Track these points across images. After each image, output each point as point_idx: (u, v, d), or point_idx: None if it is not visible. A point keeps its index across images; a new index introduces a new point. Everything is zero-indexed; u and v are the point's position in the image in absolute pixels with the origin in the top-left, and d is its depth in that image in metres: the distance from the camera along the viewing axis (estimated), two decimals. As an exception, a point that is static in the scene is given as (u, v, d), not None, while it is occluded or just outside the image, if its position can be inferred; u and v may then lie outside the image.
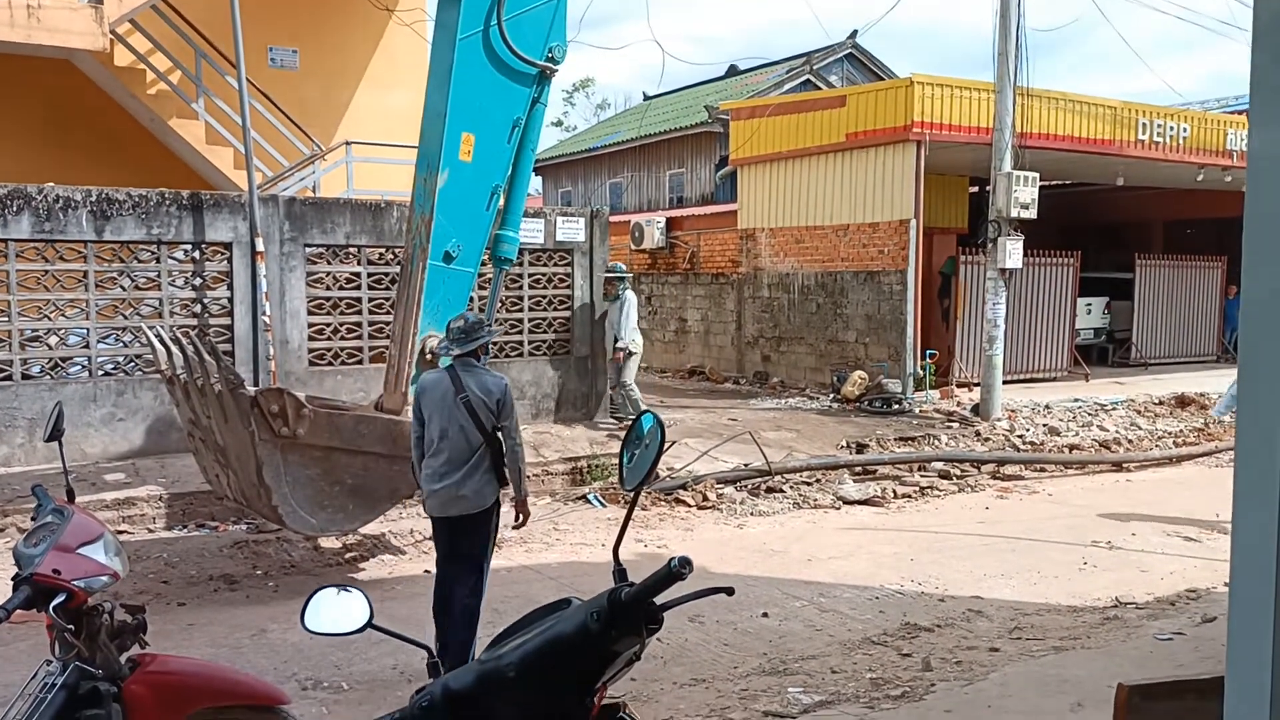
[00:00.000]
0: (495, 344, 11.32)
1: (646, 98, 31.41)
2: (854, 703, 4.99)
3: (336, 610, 1.93)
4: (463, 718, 1.73)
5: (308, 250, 10.46)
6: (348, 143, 12.81)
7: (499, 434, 5.37)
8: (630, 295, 12.13)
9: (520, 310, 11.79)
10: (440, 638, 5.23)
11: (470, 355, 5.43)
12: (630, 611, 1.65)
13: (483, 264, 7.90)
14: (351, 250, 10.71)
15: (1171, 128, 16.49)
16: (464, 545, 5.34)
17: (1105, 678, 4.69)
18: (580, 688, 1.70)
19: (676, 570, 1.60)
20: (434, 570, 5.69)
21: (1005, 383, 13.61)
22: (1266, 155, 1.29)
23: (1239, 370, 1.32)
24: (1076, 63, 71.83)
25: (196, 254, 9.94)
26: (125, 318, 9.66)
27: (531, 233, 11.45)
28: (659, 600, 1.69)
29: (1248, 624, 1.29)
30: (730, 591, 1.81)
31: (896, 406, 13.75)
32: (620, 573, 1.83)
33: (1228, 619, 1.32)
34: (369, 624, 1.91)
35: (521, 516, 5.53)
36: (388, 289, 10.61)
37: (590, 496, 9.70)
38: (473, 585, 5.28)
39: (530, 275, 11.77)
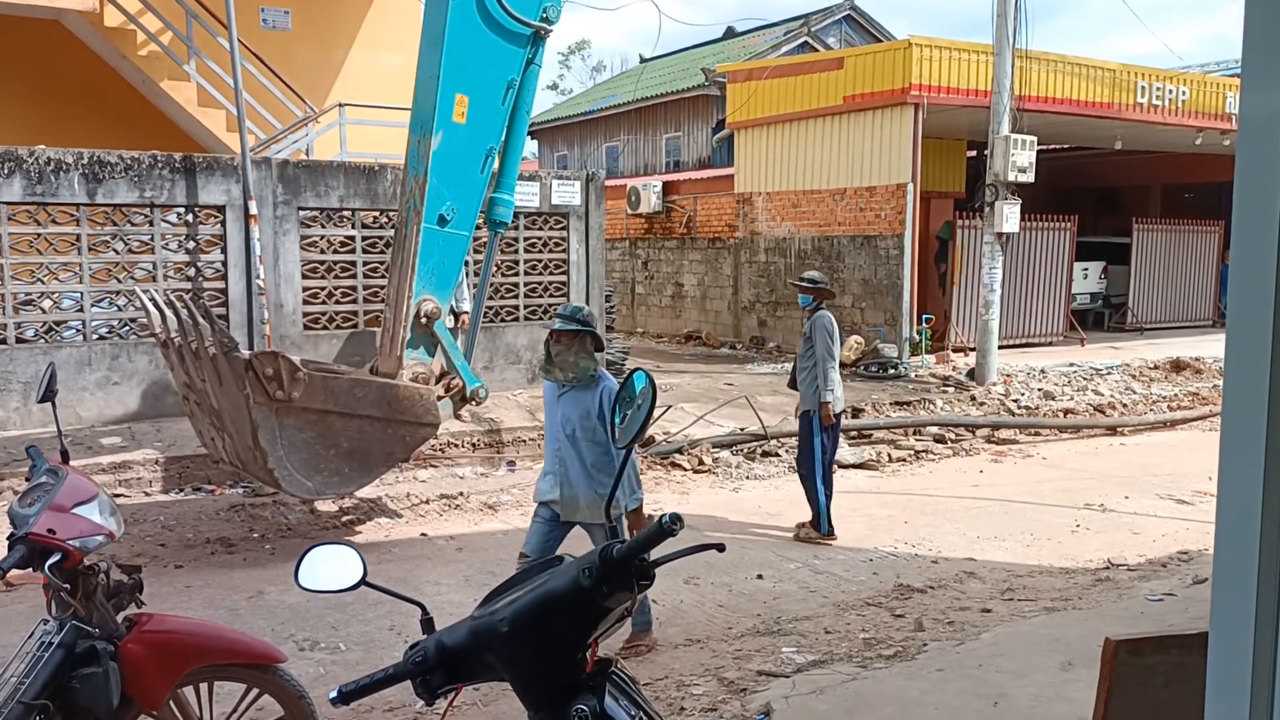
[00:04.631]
0: (490, 309, 11.29)
1: (643, 60, 31.13)
2: (847, 662, 5.04)
3: (331, 567, 1.93)
4: (456, 672, 1.74)
5: (301, 214, 10.40)
6: (341, 105, 12.70)
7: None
8: None
9: (515, 274, 11.76)
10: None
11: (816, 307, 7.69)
12: (622, 567, 1.66)
13: (478, 227, 7.86)
14: (345, 213, 10.65)
15: (1170, 91, 16.39)
16: (801, 433, 7.73)
17: (1095, 637, 4.70)
18: (572, 643, 1.72)
19: (668, 527, 1.61)
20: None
21: (1001, 347, 13.64)
22: (1258, 117, 1.28)
23: (1227, 334, 1.33)
24: (1075, 25, 71.23)
25: (190, 217, 9.89)
26: (119, 281, 9.63)
27: (526, 196, 11.38)
28: (651, 556, 1.70)
29: (1232, 578, 1.30)
30: (721, 548, 1.82)
31: (892, 371, 13.79)
32: (612, 530, 1.84)
33: (1212, 574, 1.33)
34: (363, 581, 1.91)
35: (825, 410, 7.53)
36: (382, 252, 10.57)
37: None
38: (809, 460, 7.58)
39: (525, 239, 11.73)
